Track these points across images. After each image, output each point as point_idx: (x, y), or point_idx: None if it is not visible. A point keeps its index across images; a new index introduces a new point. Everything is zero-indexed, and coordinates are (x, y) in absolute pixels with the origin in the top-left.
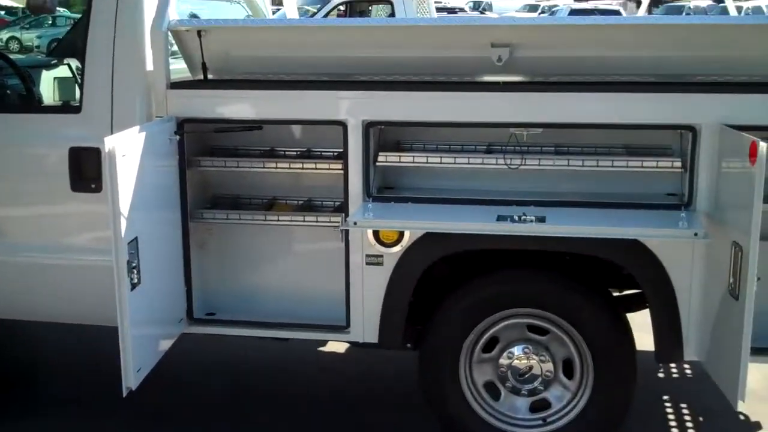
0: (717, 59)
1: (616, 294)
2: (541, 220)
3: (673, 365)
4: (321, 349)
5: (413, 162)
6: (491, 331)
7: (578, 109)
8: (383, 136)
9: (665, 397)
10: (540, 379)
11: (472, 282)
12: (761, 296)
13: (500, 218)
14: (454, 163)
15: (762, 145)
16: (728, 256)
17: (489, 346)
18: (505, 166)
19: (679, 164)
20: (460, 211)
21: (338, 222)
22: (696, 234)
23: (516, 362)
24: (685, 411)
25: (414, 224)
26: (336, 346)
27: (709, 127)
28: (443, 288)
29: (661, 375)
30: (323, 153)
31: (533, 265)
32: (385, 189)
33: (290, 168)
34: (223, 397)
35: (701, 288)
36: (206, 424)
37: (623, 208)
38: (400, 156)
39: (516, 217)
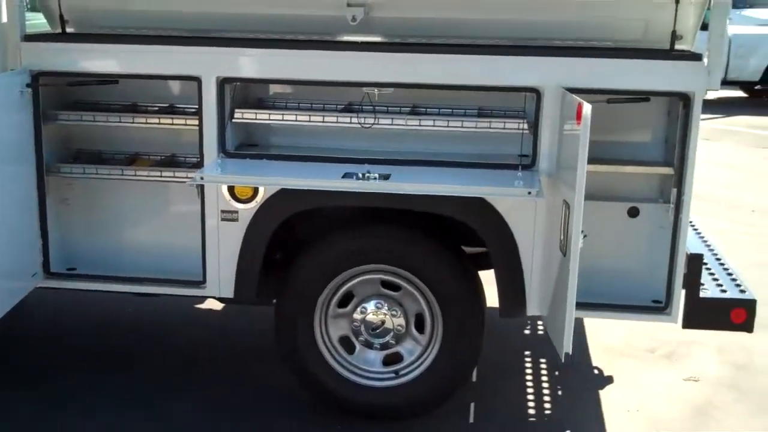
0: (563, 24)
1: (469, 251)
2: (385, 177)
3: (540, 323)
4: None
5: (269, 119)
6: (346, 287)
7: (427, 70)
8: (247, 93)
9: (527, 353)
10: (392, 333)
11: (326, 238)
12: (593, 254)
13: (346, 176)
14: (309, 121)
15: (587, 106)
16: (561, 214)
17: (345, 301)
18: (359, 126)
19: (526, 126)
20: (312, 168)
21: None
22: (530, 193)
23: (369, 317)
24: (543, 365)
25: (260, 180)
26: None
27: (551, 90)
28: (304, 244)
29: (527, 332)
30: (186, 109)
31: (390, 223)
32: (248, 146)
33: (147, 123)
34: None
35: (542, 246)
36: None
37: (471, 168)
38: (256, 113)
39: (360, 175)
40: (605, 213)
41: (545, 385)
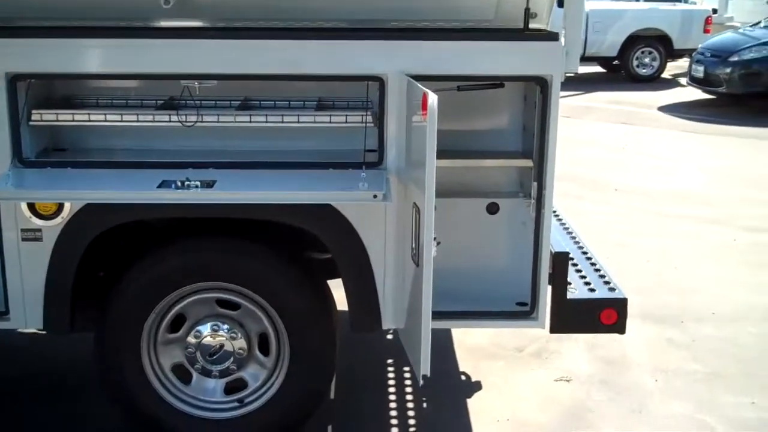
0: (407, 4)
1: (318, 258)
2: (209, 185)
3: None
4: None
5: (74, 120)
6: (176, 309)
7: (256, 58)
8: (50, 90)
9: (389, 361)
10: (233, 358)
11: (148, 255)
12: (452, 255)
13: (164, 184)
14: (122, 121)
15: (432, 96)
16: (411, 219)
17: (177, 325)
18: (180, 124)
19: (370, 119)
20: (125, 176)
21: None
22: (375, 196)
23: (205, 341)
24: (407, 375)
25: (56, 194)
26: None
27: (395, 78)
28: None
29: (390, 337)
30: None
31: (222, 233)
32: (56, 151)
33: None
34: None
35: (395, 253)
36: None
37: (312, 169)
38: (57, 114)
39: (179, 183)
40: (463, 211)
41: (409, 397)
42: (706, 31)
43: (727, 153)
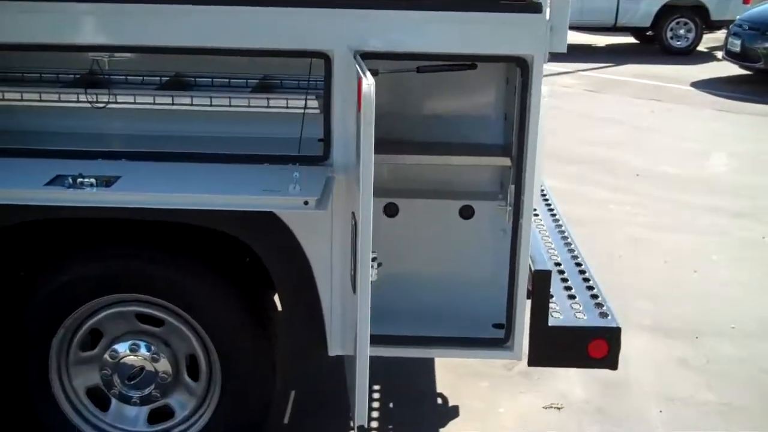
0: None
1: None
2: (107, 183)
3: None
4: None
5: None
6: (90, 323)
7: (176, 27)
8: None
9: None
10: (156, 382)
11: (55, 261)
12: (417, 267)
13: (56, 180)
14: (22, 99)
15: (366, 82)
16: (350, 232)
17: (93, 342)
18: (90, 105)
19: (316, 105)
20: (17, 167)
21: None
22: (306, 203)
23: (123, 362)
24: (375, 396)
25: None
26: None
27: (344, 54)
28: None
29: None
30: None
31: (140, 237)
32: None
33: None
34: None
35: (342, 268)
36: None
37: (242, 163)
38: None
39: (71, 180)
40: (431, 214)
41: (374, 424)
42: (746, 1)
43: (762, 136)
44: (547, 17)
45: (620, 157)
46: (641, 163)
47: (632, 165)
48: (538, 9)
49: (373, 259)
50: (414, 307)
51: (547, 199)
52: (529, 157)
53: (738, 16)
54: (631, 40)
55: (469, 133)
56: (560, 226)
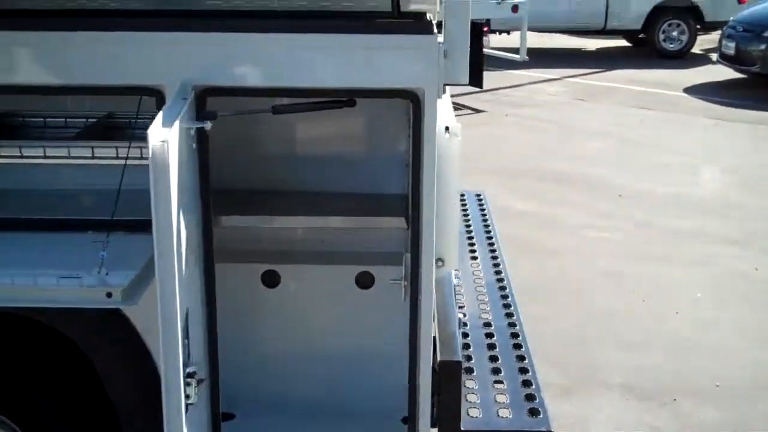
0: None
1: None
2: None
3: None
4: None
5: None
6: None
7: None
8: None
9: None
10: None
11: None
12: (305, 347)
13: None
14: None
15: (157, 138)
16: None
17: None
18: None
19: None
20: None
21: None
22: (110, 295)
23: None
24: None
25: None
26: None
27: (173, 89)
28: None
29: None
30: None
31: None
32: None
33: None
34: None
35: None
36: None
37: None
38: None
39: None
40: (321, 283)
41: None
42: (741, 1)
43: (758, 146)
44: (440, 39)
45: (603, 175)
46: (625, 182)
47: (615, 183)
48: (427, 29)
49: (191, 375)
50: (300, 400)
51: (488, 230)
52: (425, 215)
53: (732, 18)
54: (623, 43)
55: (369, 181)
56: (499, 269)
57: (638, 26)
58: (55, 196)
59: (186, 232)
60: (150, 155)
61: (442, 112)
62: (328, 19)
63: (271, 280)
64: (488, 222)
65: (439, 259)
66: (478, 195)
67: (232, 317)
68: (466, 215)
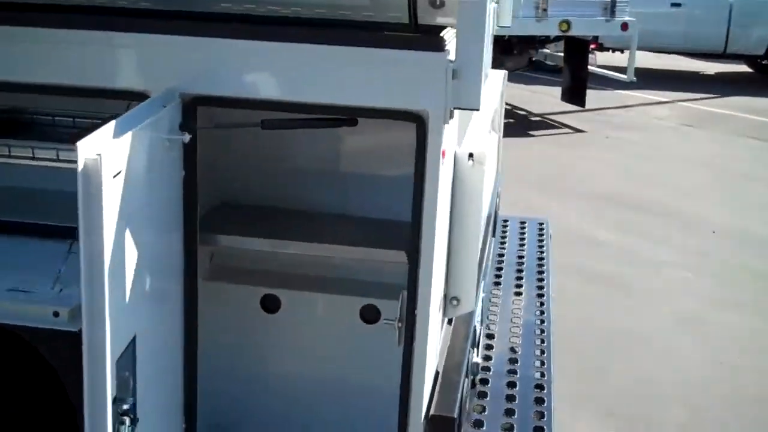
0: None
1: None
2: None
3: None
4: None
5: None
6: None
7: None
8: None
9: None
10: None
11: None
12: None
13: None
14: None
15: (90, 152)
16: None
17: None
18: None
19: None
20: None
21: None
22: (57, 314)
23: None
24: None
25: None
26: None
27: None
28: None
29: None
30: None
31: None
32: None
33: None
34: None
35: None
36: None
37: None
38: None
39: None
40: (323, 313)
41: None
42: None
43: None
44: (451, 57)
45: (699, 208)
46: (722, 218)
47: (711, 219)
48: (435, 44)
49: (125, 413)
50: None
51: (541, 263)
52: (425, 249)
53: None
54: (745, 69)
55: (380, 206)
56: (543, 308)
57: (761, 51)
58: (24, 198)
59: (144, 250)
60: (78, 170)
61: (469, 135)
62: (340, 29)
63: (270, 304)
64: (544, 254)
65: (454, 298)
66: (541, 223)
67: (226, 342)
68: (522, 245)
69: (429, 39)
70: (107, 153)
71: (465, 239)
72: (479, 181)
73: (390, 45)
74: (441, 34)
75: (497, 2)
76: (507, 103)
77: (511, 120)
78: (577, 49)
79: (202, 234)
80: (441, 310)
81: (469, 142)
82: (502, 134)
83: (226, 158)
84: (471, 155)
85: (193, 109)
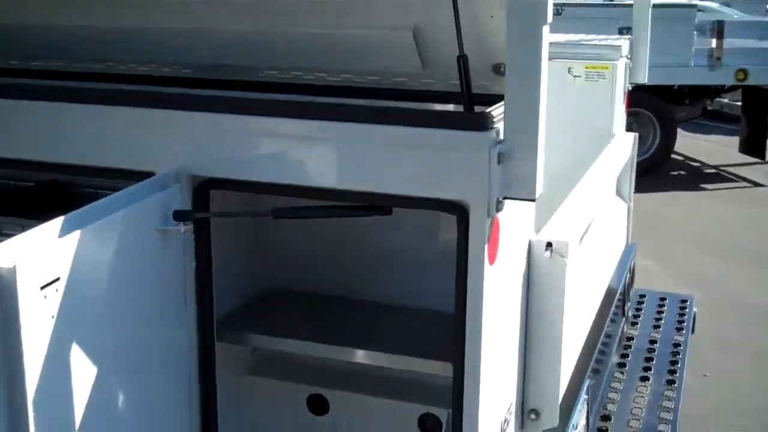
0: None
1: None
2: None
3: None
4: None
5: None
6: None
7: None
8: None
9: None
10: None
11: None
12: None
13: None
14: None
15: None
16: None
17: None
18: None
19: None
20: None
21: None
22: None
23: None
24: None
25: None
26: None
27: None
28: None
29: None
30: None
31: None
32: None
33: None
34: None
35: None
36: None
37: None
38: None
39: None
40: (377, 420)
41: None
42: None
43: None
44: (500, 136)
45: None
46: None
47: None
48: (482, 123)
49: None
50: None
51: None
52: (470, 362)
53: None
54: None
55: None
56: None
57: None
58: None
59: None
60: None
61: (557, 218)
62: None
63: (318, 406)
64: (681, 340)
65: (532, 411)
66: (684, 300)
67: None
68: (657, 327)
69: (469, 115)
70: (30, 259)
71: (544, 342)
72: (560, 273)
73: (424, 124)
74: (489, 110)
75: (629, 57)
76: (679, 154)
77: (682, 172)
78: (757, 98)
79: (239, 333)
80: (511, 427)
81: (552, 228)
82: (632, 203)
83: (265, 244)
84: (549, 245)
85: (205, 193)
